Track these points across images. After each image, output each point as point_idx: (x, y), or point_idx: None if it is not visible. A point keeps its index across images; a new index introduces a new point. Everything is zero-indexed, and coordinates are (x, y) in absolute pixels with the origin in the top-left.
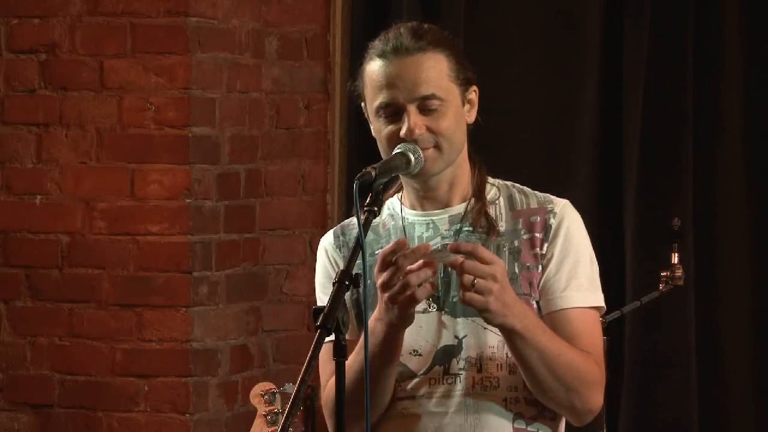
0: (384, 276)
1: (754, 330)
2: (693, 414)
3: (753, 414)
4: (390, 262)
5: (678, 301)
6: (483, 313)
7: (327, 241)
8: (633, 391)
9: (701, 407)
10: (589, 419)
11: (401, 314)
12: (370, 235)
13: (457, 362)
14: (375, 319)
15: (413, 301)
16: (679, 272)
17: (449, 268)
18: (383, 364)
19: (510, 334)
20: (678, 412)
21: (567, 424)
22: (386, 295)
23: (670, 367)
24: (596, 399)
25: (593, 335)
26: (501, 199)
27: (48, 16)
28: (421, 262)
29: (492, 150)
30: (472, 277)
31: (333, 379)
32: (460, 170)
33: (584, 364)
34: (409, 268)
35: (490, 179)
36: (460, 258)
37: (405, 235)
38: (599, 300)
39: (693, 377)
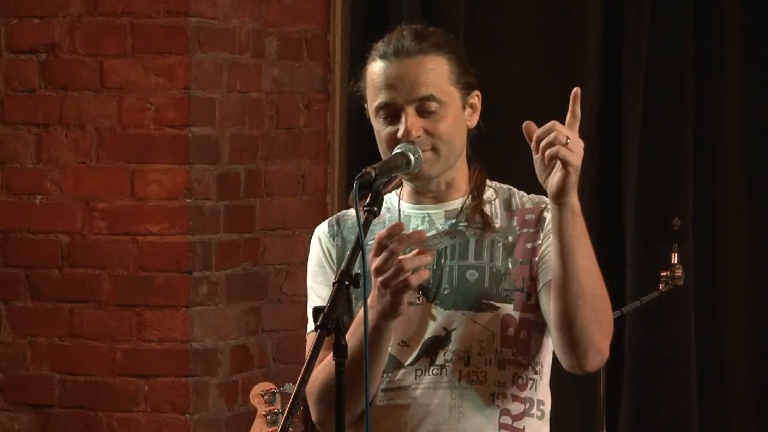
0: (378, 260)
1: (754, 330)
2: (693, 414)
3: (753, 414)
4: (385, 246)
5: (678, 301)
6: (571, 171)
7: (321, 230)
8: (633, 391)
9: (701, 407)
10: (596, 365)
11: (393, 301)
12: None
13: (444, 353)
14: (368, 306)
15: (406, 286)
16: (679, 272)
17: (442, 260)
18: (370, 355)
19: (573, 213)
20: (678, 412)
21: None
22: (379, 279)
23: (670, 367)
24: (607, 345)
25: None
26: (497, 200)
27: (48, 16)
28: (416, 251)
29: (492, 149)
30: (565, 135)
31: (319, 368)
32: (459, 173)
33: (608, 300)
34: (402, 257)
35: (488, 181)
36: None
37: None
38: None
39: (693, 377)
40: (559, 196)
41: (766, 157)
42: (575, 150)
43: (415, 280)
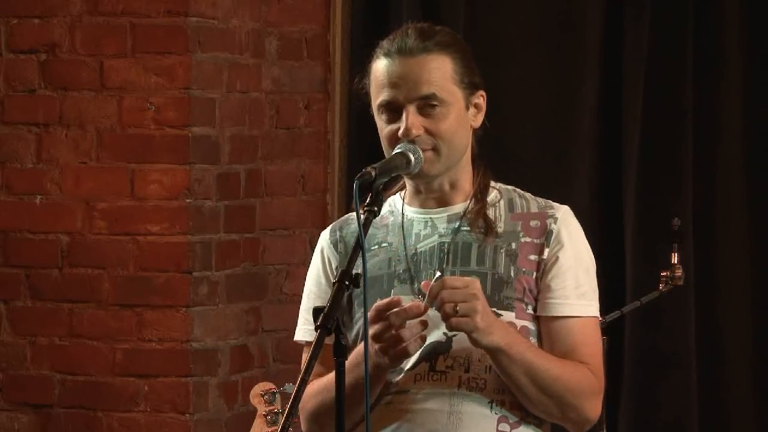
0: (376, 329)
1: (754, 330)
2: (693, 414)
3: (753, 414)
4: (382, 316)
5: (678, 301)
6: (472, 334)
7: (324, 239)
8: (633, 391)
9: (701, 407)
10: (587, 428)
11: (392, 365)
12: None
13: (444, 359)
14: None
15: (405, 354)
16: (679, 272)
17: (444, 264)
18: (360, 396)
19: (496, 353)
20: (678, 412)
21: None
22: (377, 345)
23: (670, 367)
24: (592, 409)
25: (594, 345)
26: (501, 201)
27: (48, 16)
28: (415, 322)
29: (492, 150)
30: (452, 304)
31: (315, 383)
32: (463, 173)
33: (576, 375)
34: (400, 331)
35: (493, 183)
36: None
37: (403, 231)
38: (597, 310)
39: (693, 377)
40: (476, 344)
41: (766, 157)
42: (467, 311)
43: (413, 348)
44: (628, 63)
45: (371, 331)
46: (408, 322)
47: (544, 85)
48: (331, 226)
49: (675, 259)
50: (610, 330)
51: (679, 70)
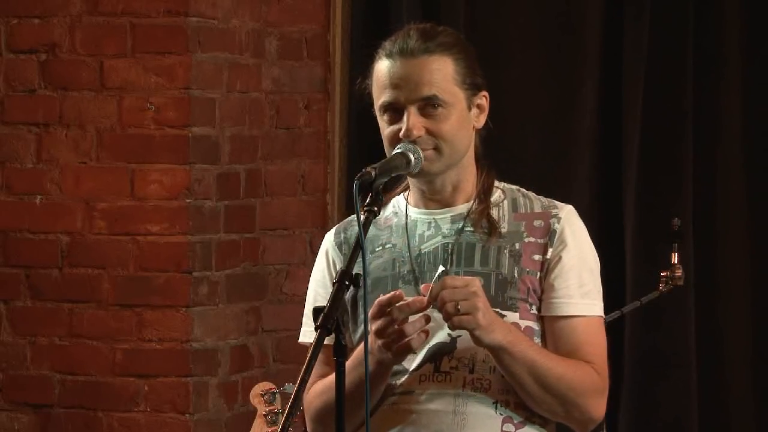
0: (378, 324)
1: (754, 330)
2: (693, 414)
3: (753, 414)
4: (384, 311)
5: (678, 301)
6: (474, 331)
7: (329, 240)
8: (633, 391)
9: (701, 407)
10: (592, 427)
11: (395, 360)
12: (371, 231)
13: (449, 360)
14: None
15: (408, 349)
16: (679, 272)
17: (447, 266)
18: (363, 395)
19: (499, 351)
20: (678, 412)
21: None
22: (380, 341)
23: (670, 367)
24: (596, 408)
25: (598, 344)
26: (505, 201)
27: (48, 16)
28: (418, 317)
29: (492, 151)
30: (453, 303)
31: (320, 383)
32: (465, 173)
33: (579, 374)
34: (404, 325)
35: (497, 182)
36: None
37: (407, 232)
38: (602, 309)
39: (693, 377)
40: (479, 342)
41: (766, 157)
42: (468, 308)
43: (416, 343)
44: (628, 63)
45: (374, 326)
46: (411, 317)
47: (544, 86)
48: (335, 228)
49: (675, 259)
50: (610, 330)
51: (679, 70)
